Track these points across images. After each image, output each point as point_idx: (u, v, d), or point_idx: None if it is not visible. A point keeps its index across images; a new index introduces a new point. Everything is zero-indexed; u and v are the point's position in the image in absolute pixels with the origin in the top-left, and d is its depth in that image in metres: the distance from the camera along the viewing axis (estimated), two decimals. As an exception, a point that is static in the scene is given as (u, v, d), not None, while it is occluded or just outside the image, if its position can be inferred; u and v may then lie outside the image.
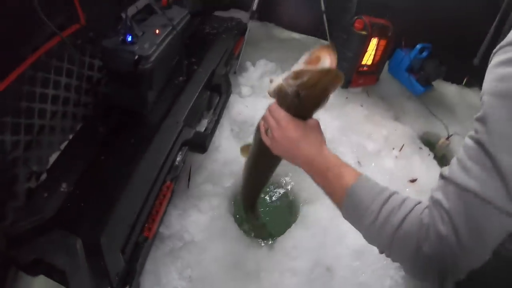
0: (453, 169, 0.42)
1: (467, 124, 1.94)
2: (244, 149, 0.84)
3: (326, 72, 0.52)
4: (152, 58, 1.05)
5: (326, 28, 1.97)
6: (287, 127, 0.59)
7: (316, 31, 2.21)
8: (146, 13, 1.26)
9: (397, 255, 0.47)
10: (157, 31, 1.16)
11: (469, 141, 0.42)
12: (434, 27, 1.90)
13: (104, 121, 1.15)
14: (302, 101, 0.57)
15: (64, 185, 0.94)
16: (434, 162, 1.63)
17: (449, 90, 2.18)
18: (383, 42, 1.80)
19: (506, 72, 0.39)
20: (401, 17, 1.87)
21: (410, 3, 1.96)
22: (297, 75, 0.55)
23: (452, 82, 2.24)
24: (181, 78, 1.35)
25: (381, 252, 0.50)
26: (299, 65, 0.57)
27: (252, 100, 1.63)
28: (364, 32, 1.66)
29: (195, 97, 1.24)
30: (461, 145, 0.44)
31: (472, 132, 0.43)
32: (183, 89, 1.28)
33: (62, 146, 1.06)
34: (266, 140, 0.65)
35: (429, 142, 1.80)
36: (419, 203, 0.46)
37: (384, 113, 1.80)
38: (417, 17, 1.87)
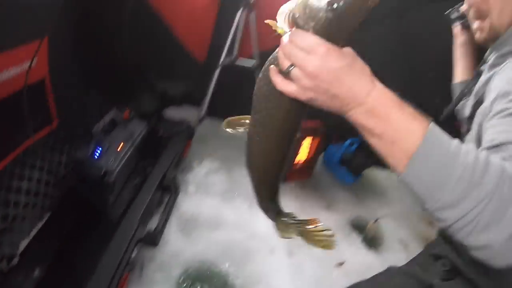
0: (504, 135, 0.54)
1: (396, 205, 2.54)
2: (232, 122, 0.76)
3: None
4: (116, 171, 1.54)
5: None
6: (327, 54, 0.50)
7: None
8: (111, 125, 1.78)
9: (505, 195, 0.45)
10: (120, 145, 1.67)
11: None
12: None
13: (71, 213, 1.58)
14: (340, 16, 0.49)
15: (36, 271, 1.32)
16: (362, 245, 2.15)
17: (379, 175, 2.83)
18: (315, 141, 2.43)
19: None
20: (333, 117, 2.57)
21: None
22: None
23: (383, 167, 2.96)
24: (137, 179, 1.84)
25: (476, 200, 0.45)
26: None
27: (197, 198, 2.12)
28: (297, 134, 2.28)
29: (149, 198, 1.71)
30: (488, 127, 0.61)
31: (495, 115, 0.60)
32: (139, 190, 1.76)
33: (32, 234, 1.44)
34: (287, 85, 0.55)
35: (358, 227, 2.31)
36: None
37: (317, 204, 2.33)
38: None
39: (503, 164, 0.47)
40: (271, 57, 0.60)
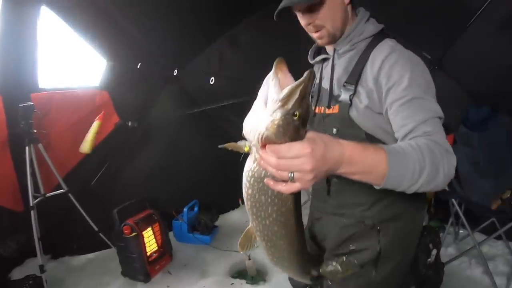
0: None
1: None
2: (243, 244, 0.88)
3: (302, 80, 0.65)
4: None
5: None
6: (311, 150, 0.64)
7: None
8: None
9: (446, 167, 0.80)
10: None
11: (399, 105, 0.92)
12: (195, 189, 2.90)
13: None
14: (302, 119, 0.66)
15: None
16: (250, 285, 2.34)
17: (231, 216, 3.15)
18: (156, 227, 2.51)
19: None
20: (167, 190, 2.78)
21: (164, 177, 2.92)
22: (285, 101, 0.64)
23: (233, 209, 3.31)
24: None
25: (431, 180, 0.79)
26: (274, 94, 0.66)
27: None
28: (134, 233, 2.31)
29: None
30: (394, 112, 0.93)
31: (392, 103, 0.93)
32: None
33: None
34: (292, 187, 0.68)
35: (238, 272, 2.49)
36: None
37: (192, 276, 2.39)
38: (175, 185, 2.82)
39: (425, 141, 0.82)
40: (248, 177, 0.74)
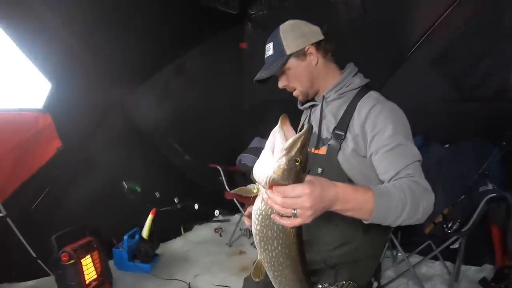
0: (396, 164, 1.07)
1: (197, 264, 2.96)
2: (256, 272, 1.01)
3: (303, 133, 0.81)
4: None
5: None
6: (310, 190, 0.81)
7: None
8: None
9: (425, 203, 0.99)
10: None
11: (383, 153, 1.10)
12: (137, 217, 2.92)
13: None
14: (303, 164, 0.81)
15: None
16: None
17: (172, 245, 3.18)
18: (95, 255, 2.47)
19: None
20: (108, 217, 2.77)
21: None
22: (289, 149, 0.81)
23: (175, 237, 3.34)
24: None
25: (413, 215, 0.98)
26: (282, 144, 0.83)
27: None
28: (73, 261, 2.27)
29: None
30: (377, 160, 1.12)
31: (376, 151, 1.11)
32: None
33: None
34: (295, 221, 0.84)
35: None
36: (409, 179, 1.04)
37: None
38: (117, 212, 2.83)
39: (407, 182, 1.01)
40: (257, 215, 0.90)
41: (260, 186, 0.88)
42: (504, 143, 2.40)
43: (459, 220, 2.44)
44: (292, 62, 1.30)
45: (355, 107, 1.23)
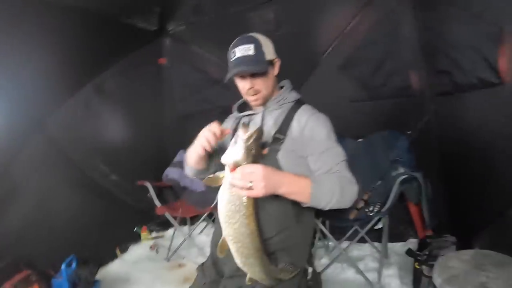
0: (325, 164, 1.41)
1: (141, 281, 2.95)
2: (223, 244, 1.27)
3: (256, 130, 1.18)
4: None
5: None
6: (262, 168, 1.16)
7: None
8: None
9: (350, 191, 1.33)
10: None
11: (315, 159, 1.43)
12: (71, 243, 2.85)
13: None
14: (256, 152, 1.18)
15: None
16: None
17: (111, 268, 3.20)
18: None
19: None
20: (41, 247, 2.66)
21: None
22: (248, 139, 1.16)
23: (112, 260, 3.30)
24: None
25: (341, 200, 1.32)
26: (242, 136, 1.16)
27: None
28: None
29: None
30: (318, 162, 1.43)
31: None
32: None
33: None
34: (251, 192, 1.16)
35: None
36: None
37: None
38: (50, 240, 2.72)
39: (337, 175, 1.36)
40: (223, 195, 1.22)
41: (225, 172, 1.21)
42: (409, 132, 2.88)
43: (379, 203, 2.83)
44: (268, 68, 1.50)
45: (293, 116, 1.51)
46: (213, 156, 1.59)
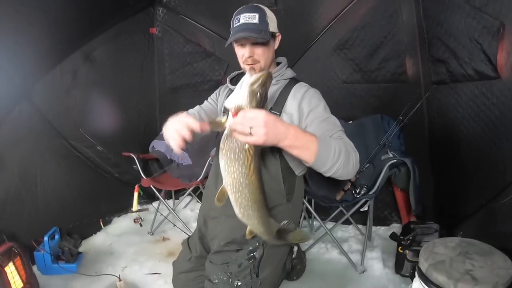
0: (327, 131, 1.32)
1: (123, 261, 2.96)
2: (221, 193, 1.22)
3: (264, 73, 1.11)
4: None
5: None
6: (265, 114, 1.05)
7: None
8: None
9: (354, 158, 1.23)
10: None
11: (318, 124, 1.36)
12: (54, 215, 2.84)
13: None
14: (262, 97, 1.11)
15: None
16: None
17: (94, 240, 3.19)
18: (18, 261, 2.30)
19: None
20: (23, 219, 2.65)
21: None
22: (253, 82, 1.08)
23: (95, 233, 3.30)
24: None
25: (345, 165, 1.21)
26: (248, 79, 1.11)
27: None
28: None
29: None
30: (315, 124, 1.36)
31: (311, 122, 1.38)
32: None
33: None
34: (251, 138, 1.05)
35: None
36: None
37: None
38: (32, 213, 2.68)
39: (341, 140, 1.27)
40: (224, 141, 1.14)
41: (227, 116, 1.15)
42: (401, 117, 2.90)
43: (366, 185, 2.89)
44: (270, 39, 1.47)
45: (288, 92, 1.49)
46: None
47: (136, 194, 3.17)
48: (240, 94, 1.12)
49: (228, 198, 1.21)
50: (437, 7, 2.52)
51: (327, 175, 1.24)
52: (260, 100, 1.12)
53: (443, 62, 2.52)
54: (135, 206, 3.21)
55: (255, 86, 1.09)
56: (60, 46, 2.87)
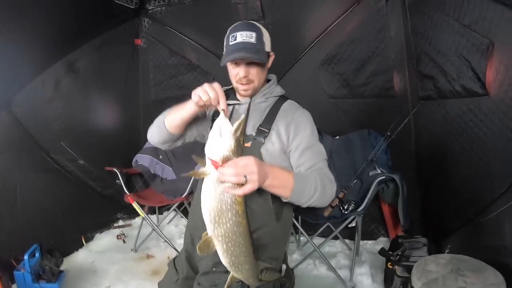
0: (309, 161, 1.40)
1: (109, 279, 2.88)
2: (205, 244, 1.17)
3: (242, 120, 1.11)
4: None
5: None
6: (254, 161, 1.09)
7: None
8: None
9: (330, 191, 1.33)
10: None
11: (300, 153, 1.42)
12: (34, 232, 2.74)
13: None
14: (242, 144, 1.12)
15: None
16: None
17: (76, 258, 3.10)
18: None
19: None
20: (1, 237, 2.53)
21: None
22: (236, 130, 1.09)
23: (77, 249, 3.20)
24: None
25: (321, 198, 1.31)
26: (229, 127, 1.09)
27: None
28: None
29: None
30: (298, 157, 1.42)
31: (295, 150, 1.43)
32: None
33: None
34: (246, 188, 1.07)
35: None
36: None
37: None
38: (11, 230, 2.57)
39: (319, 173, 1.35)
40: (210, 195, 1.12)
41: (211, 169, 1.12)
42: (389, 133, 2.94)
43: (353, 201, 2.89)
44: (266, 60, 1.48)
45: (278, 110, 1.51)
46: (192, 125, 1.60)
47: (135, 204, 3.11)
48: (222, 143, 1.10)
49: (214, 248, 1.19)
50: (426, 23, 2.57)
51: (303, 206, 1.33)
52: (243, 147, 1.15)
53: (431, 78, 2.57)
54: (142, 212, 3.15)
55: (238, 133, 1.11)
56: (43, 55, 2.81)
